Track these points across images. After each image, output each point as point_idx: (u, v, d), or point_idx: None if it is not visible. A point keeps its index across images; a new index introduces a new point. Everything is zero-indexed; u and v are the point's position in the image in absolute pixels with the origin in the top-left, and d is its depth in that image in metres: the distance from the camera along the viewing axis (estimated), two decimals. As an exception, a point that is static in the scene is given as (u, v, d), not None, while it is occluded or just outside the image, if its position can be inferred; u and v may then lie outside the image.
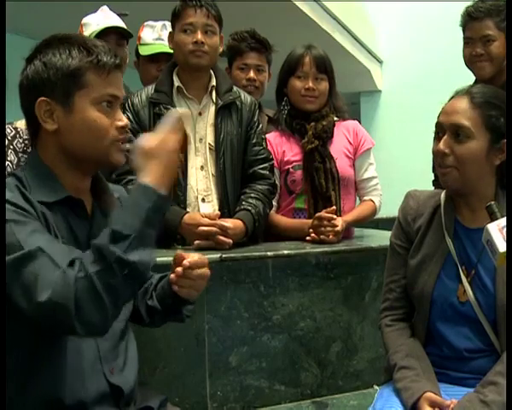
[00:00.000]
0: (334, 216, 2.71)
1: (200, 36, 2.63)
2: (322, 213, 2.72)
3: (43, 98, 1.51)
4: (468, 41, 2.90)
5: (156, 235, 1.43)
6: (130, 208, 1.41)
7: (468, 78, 2.98)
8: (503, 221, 1.57)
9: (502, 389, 1.63)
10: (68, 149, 1.54)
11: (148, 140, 1.47)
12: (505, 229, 1.55)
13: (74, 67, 1.51)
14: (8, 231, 1.37)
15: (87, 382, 1.54)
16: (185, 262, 1.60)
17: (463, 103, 1.78)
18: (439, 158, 1.79)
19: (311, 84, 2.90)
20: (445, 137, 1.77)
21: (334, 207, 2.75)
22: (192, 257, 1.62)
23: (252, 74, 3.26)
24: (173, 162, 1.49)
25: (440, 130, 1.81)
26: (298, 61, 2.93)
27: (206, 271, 1.63)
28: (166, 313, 1.75)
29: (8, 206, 1.41)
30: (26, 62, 1.56)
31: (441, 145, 1.77)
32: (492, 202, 1.62)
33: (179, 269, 1.62)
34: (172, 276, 1.65)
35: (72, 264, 1.35)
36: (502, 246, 1.54)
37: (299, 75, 2.92)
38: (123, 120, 1.58)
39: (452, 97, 1.85)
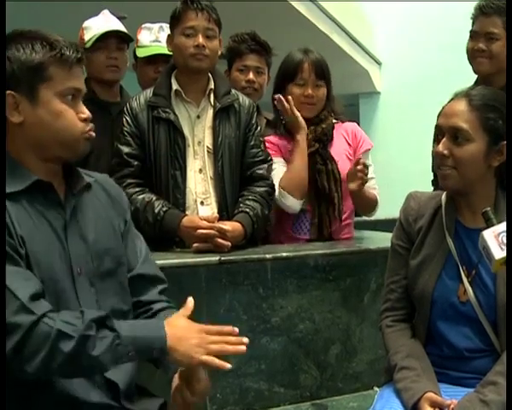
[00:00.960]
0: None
1: (201, 39, 2.63)
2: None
3: (8, 92, 1.53)
4: (473, 35, 2.89)
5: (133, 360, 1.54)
6: (140, 323, 1.60)
7: (468, 79, 2.98)
8: (498, 228, 1.57)
9: (501, 388, 1.63)
10: (35, 141, 1.57)
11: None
12: (501, 235, 1.55)
13: (38, 61, 1.54)
14: None
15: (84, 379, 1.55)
16: None
17: (462, 106, 1.78)
18: (438, 160, 1.80)
19: (310, 92, 2.89)
20: (444, 139, 1.78)
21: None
22: None
23: (251, 76, 3.23)
24: (193, 360, 1.51)
25: (439, 132, 1.81)
26: (297, 68, 2.90)
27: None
28: None
29: None
30: None
31: (440, 147, 1.78)
32: (488, 208, 1.62)
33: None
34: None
35: (33, 298, 1.40)
36: (497, 253, 1.54)
37: (298, 82, 2.90)
38: (85, 112, 1.62)
39: (451, 99, 1.85)
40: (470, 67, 2.99)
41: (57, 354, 1.39)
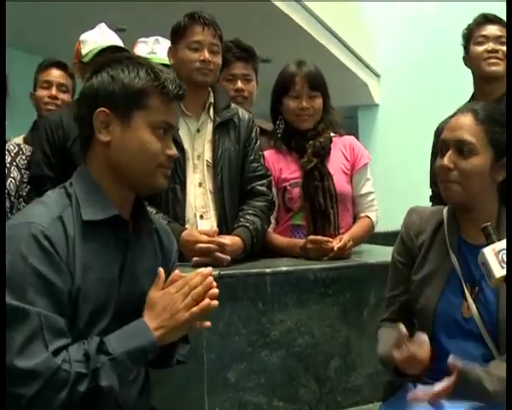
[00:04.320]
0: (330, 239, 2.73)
1: (207, 55, 2.66)
2: (317, 237, 2.74)
3: (103, 109, 1.55)
4: (482, 40, 2.95)
5: (135, 371, 1.55)
6: (126, 333, 1.49)
7: (466, 91, 3.00)
8: (498, 245, 1.57)
9: (503, 369, 1.62)
10: (115, 163, 1.57)
11: (171, 295, 1.54)
12: (501, 253, 1.56)
13: (140, 86, 1.56)
14: (22, 267, 1.41)
15: None
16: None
17: (468, 120, 1.80)
18: (442, 173, 1.81)
19: (304, 104, 2.90)
20: (450, 152, 1.79)
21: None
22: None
23: (239, 85, 3.25)
24: (182, 325, 1.54)
25: (444, 146, 1.82)
26: (290, 81, 2.92)
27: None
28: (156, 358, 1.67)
29: (40, 238, 1.43)
30: (92, 73, 1.60)
31: (445, 160, 1.79)
32: (488, 224, 1.63)
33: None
34: None
35: (58, 352, 1.40)
36: (497, 271, 1.55)
37: (292, 95, 2.92)
38: (172, 149, 1.62)
39: (455, 114, 1.86)
40: (469, 80, 3.02)
41: (75, 393, 1.40)
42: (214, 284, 1.57)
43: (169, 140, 1.62)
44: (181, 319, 1.52)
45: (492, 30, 2.95)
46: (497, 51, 2.90)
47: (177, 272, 1.62)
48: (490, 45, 2.92)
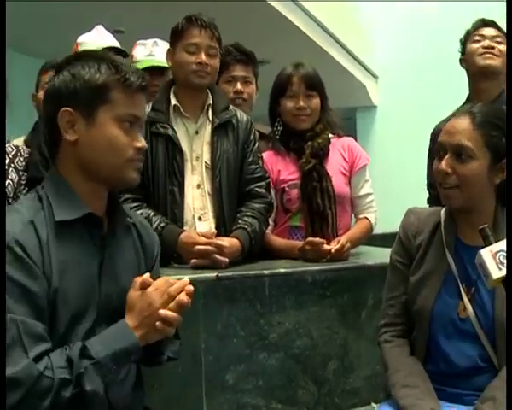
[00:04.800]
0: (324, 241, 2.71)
1: (204, 57, 2.66)
2: (315, 239, 2.72)
3: (66, 108, 1.54)
4: (478, 39, 2.98)
5: (119, 371, 1.54)
6: (108, 335, 1.51)
7: (465, 92, 3.00)
8: (496, 247, 1.57)
9: (500, 404, 1.63)
10: (84, 162, 1.57)
11: (152, 296, 1.54)
12: (498, 254, 1.56)
13: (101, 81, 1.55)
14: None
15: None
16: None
17: (465, 123, 1.80)
18: (440, 177, 1.81)
19: (301, 104, 2.91)
20: (447, 156, 1.79)
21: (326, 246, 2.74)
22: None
23: (239, 87, 3.26)
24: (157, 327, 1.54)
25: (442, 149, 1.82)
26: (287, 81, 2.93)
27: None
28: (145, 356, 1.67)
29: (12, 245, 1.42)
30: (55, 72, 1.60)
31: (443, 165, 1.79)
32: (486, 225, 1.63)
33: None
34: None
35: (39, 358, 1.40)
36: (495, 273, 1.55)
37: (289, 95, 2.93)
38: (141, 141, 1.61)
39: (452, 117, 1.86)
40: (466, 82, 3.02)
41: (60, 400, 1.40)
42: (191, 287, 1.58)
43: (136, 132, 1.61)
44: (160, 317, 1.54)
45: (489, 30, 2.99)
46: (493, 48, 2.93)
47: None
48: (486, 42, 2.95)
